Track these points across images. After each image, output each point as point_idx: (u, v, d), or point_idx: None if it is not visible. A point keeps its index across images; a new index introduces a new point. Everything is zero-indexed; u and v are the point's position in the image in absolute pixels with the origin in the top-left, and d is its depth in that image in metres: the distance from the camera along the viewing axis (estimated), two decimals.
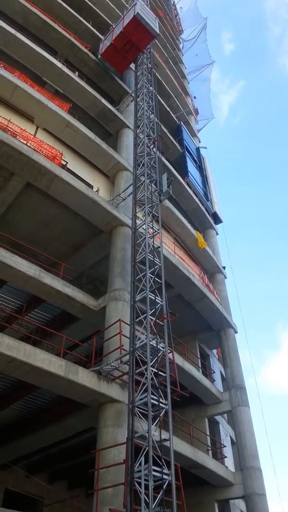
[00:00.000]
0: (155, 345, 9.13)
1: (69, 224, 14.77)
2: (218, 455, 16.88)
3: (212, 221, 23.77)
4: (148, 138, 14.75)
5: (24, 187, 13.52)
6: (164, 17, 35.70)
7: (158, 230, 12.12)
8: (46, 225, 14.84)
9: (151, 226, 12.01)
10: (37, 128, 15.69)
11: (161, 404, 8.17)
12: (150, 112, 16.23)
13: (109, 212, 14.31)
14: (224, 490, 15.27)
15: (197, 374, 15.95)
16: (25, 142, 13.26)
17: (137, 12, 18.63)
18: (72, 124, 15.67)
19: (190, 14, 42.38)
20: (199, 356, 18.54)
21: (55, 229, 14.95)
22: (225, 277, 21.78)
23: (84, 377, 10.03)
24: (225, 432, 19.34)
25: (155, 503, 6.96)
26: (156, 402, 8.13)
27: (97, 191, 16.03)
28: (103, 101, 18.39)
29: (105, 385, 10.40)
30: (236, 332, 19.27)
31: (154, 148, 14.94)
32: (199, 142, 30.17)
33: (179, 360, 14.74)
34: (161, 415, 8.09)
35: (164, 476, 7.36)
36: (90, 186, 15.53)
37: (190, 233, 19.73)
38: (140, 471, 7.36)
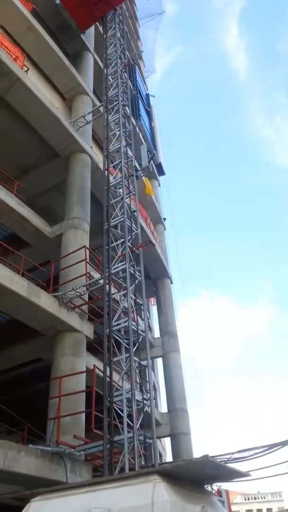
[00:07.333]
0: (132, 272, 8.59)
1: (22, 141, 13.15)
2: None
3: (156, 172, 23.28)
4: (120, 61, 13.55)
5: None
6: None
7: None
8: None
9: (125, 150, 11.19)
10: None
11: (139, 332, 7.78)
12: (120, 34, 14.88)
13: (70, 134, 13.03)
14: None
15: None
16: None
17: None
18: (35, 28, 13.69)
19: None
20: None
21: (5, 145, 13.20)
22: (165, 229, 21.69)
23: (46, 301, 9.14)
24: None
25: (136, 427, 6.67)
26: (135, 329, 7.71)
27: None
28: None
29: (66, 312, 9.62)
30: (171, 282, 19.44)
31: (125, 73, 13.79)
32: (147, 89, 29.02)
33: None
34: (139, 340, 7.70)
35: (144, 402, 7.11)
36: None
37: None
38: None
